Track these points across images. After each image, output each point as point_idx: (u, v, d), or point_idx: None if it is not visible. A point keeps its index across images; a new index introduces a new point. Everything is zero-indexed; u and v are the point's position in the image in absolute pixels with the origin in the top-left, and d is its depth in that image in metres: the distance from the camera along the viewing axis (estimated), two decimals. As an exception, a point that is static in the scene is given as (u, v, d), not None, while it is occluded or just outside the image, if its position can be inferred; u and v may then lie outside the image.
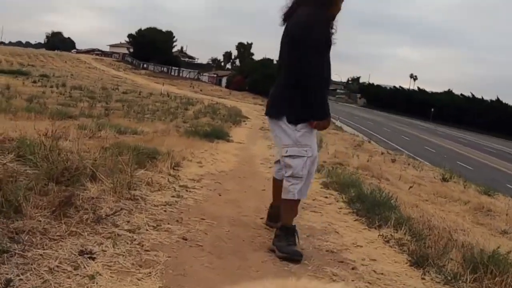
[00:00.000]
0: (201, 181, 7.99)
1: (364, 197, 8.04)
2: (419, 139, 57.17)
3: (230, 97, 74.00)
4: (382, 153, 24.83)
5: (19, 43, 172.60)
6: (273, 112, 4.74)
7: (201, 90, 77.87)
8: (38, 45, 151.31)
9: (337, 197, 8.76)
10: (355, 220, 6.82)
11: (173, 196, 6.23)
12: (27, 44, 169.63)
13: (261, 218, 5.86)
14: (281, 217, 4.72)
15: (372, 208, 7.15)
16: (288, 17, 4.68)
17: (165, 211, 5.41)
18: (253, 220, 5.81)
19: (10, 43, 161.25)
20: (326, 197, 8.63)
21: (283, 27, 4.72)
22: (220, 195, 7.09)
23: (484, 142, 69.63)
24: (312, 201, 7.93)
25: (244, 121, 32.20)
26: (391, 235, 5.93)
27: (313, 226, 6.09)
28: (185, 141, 14.51)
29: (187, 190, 6.82)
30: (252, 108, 54.34)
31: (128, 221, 4.64)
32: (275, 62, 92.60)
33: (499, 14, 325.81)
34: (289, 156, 4.58)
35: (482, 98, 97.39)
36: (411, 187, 11.65)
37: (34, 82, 43.20)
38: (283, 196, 4.68)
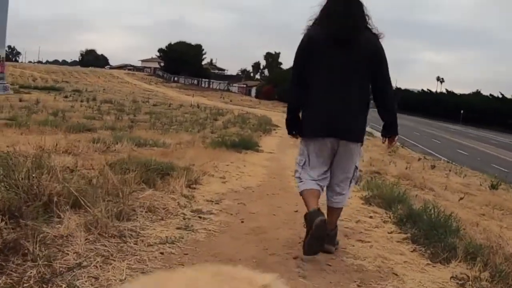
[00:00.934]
0: (221, 202, 6.56)
1: (417, 216, 6.57)
2: (450, 142, 55.20)
3: (260, 106, 72.57)
4: (419, 159, 23.10)
5: (55, 62, 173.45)
6: (359, 138, 4.86)
7: (231, 101, 76.66)
8: (73, 63, 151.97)
9: (383, 216, 7.27)
10: (413, 251, 5.24)
11: (179, 228, 4.79)
12: (63, 63, 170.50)
13: (295, 258, 4.36)
14: (333, 223, 4.90)
15: (430, 232, 5.68)
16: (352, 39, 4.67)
17: (161, 253, 3.96)
18: (284, 261, 4.29)
19: (47, 62, 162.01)
20: (371, 217, 7.14)
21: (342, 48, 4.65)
22: (242, 222, 5.61)
23: (517, 142, 67.00)
24: (356, 223, 6.44)
25: (274, 129, 30.66)
26: (466, 275, 4.34)
27: (363, 265, 4.58)
28: (210, 153, 13.07)
29: (200, 217, 5.38)
30: (282, 116, 52.37)
31: (96, 278, 3.13)
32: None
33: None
34: (356, 172, 5.04)
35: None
36: (461, 198, 10.06)
37: (66, 97, 42.15)
38: (341, 206, 5.03)
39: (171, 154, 11.28)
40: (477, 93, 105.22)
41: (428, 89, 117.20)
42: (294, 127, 5.00)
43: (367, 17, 4.73)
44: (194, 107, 48.57)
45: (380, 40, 4.76)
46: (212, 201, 6.39)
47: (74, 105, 32.94)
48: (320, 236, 4.42)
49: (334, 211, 4.96)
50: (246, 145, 16.27)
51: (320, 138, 4.74)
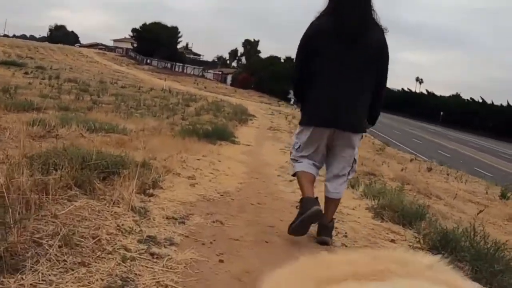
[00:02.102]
0: (188, 220, 4.71)
1: (455, 241, 5.06)
2: (431, 143, 54.37)
3: (236, 95, 70.44)
4: (411, 160, 21.33)
5: (23, 37, 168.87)
6: (360, 129, 4.92)
7: (205, 87, 74.36)
8: (42, 39, 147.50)
9: (407, 237, 5.66)
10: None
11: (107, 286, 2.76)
12: (31, 38, 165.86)
13: None
14: (331, 215, 4.94)
15: (481, 267, 4.40)
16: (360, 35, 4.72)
17: None
18: None
19: (14, 36, 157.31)
20: (392, 240, 5.51)
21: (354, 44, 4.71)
22: (221, 261, 3.64)
23: (497, 147, 66.56)
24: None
25: (251, 119, 28.82)
26: None
27: None
28: (178, 143, 11.19)
29: (152, 255, 3.40)
30: (258, 106, 51.19)
31: None
32: (282, 60, 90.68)
33: (506, 16, 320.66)
34: (355, 164, 5.03)
35: (493, 102, 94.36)
36: (481, 211, 8.28)
37: (26, 73, 39.63)
38: (339, 197, 5.01)
39: (129, 143, 9.34)
40: (457, 96, 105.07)
41: (408, 89, 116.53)
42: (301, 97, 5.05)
43: (374, 12, 4.78)
44: (165, 91, 46.45)
45: (385, 35, 4.84)
46: (175, 219, 4.45)
47: (32, 82, 30.59)
48: (310, 222, 4.60)
49: (332, 202, 4.96)
50: (221, 135, 14.41)
51: (319, 128, 4.82)
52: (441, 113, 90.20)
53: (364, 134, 5.17)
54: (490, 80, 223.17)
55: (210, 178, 7.24)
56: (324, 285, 0.80)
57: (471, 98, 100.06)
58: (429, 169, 17.47)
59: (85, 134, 9.80)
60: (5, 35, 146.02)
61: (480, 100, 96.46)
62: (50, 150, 5.46)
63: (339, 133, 4.74)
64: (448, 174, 18.53)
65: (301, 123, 5.02)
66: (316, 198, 4.71)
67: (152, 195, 5.14)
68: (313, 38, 4.78)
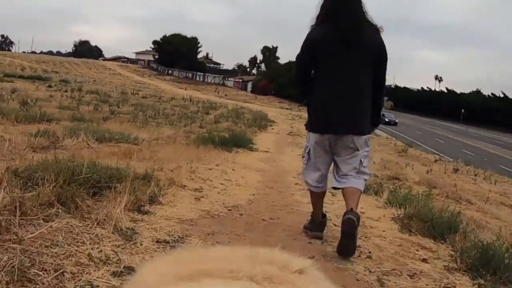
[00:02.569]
0: (183, 242, 4.07)
1: (498, 261, 4.21)
2: (454, 142, 53.37)
3: (256, 101, 69.95)
4: (436, 161, 20.44)
5: (50, 53, 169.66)
6: (359, 130, 4.82)
7: (226, 95, 73.86)
8: (67, 55, 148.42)
9: (440, 254, 4.84)
10: None
11: None
12: (58, 54, 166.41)
13: None
14: (355, 204, 4.64)
15: None
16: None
17: None
18: None
19: (41, 53, 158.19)
20: (424, 260, 4.63)
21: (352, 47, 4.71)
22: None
23: (521, 143, 64.89)
24: (411, 279, 3.86)
25: (271, 125, 28.17)
26: None
27: None
28: (192, 151, 10.58)
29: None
30: (279, 112, 50.54)
31: None
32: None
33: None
34: (366, 165, 4.90)
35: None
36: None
37: (50, 86, 39.42)
38: (357, 186, 4.75)
39: (138, 153, 8.71)
40: (477, 92, 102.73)
41: (428, 87, 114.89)
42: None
43: (366, 13, 4.80)
44: (186, 100, 46.01)
45: (381, 34, 4.88)
46: (167, 242, 3.76)
47: (54, 94, 30.24)
48: (351, 234, 4.38)
49: (352, 192, 4.72)
50: (238, 142, 13.78)
51: (323, 134, 4.82)
52: (462, 110, 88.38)
53: (369, 136, 5.03)
54: (509, 75, 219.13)
55: (220, 189, 6.57)
56: (183, 281, 0.81)
57: (492, 93, 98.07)
58: (456, 170, 16.60)
59: (92, 145, 9.25)
60: (33, 52, 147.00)
61: (502, 95, 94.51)
62: (39, 163, 4.86)
63: (343, 137, 4.74)
64: (476, 175, 17.62)
65: (307, 129, 5.10)
66: (324, 216, 5.19)
67: (147, 212, 4.47)
68: (311, 46, 4.83)
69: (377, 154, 18.38)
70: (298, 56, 4.97)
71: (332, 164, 4.94)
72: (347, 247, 4.39)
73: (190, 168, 7.67)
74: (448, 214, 6.15)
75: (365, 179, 4.93)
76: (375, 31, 4.82)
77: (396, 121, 68.00)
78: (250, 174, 8.90)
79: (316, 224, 5.04)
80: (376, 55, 4.78)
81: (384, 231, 5.59)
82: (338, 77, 4.72)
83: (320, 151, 4.86)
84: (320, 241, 4.86)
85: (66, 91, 35.81)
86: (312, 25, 4.92)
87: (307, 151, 5.01)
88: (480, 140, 60.94)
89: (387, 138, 39.11)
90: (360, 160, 4.80)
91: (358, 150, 4.78)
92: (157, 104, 34.74)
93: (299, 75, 5.05)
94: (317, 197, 5.08)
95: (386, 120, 63.64)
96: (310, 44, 4.85)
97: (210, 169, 8.35)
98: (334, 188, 5.02)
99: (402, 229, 5.78)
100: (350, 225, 4.33)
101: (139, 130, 13.92)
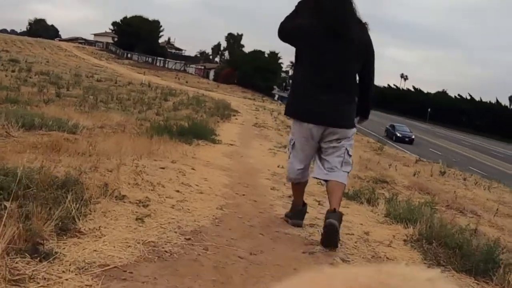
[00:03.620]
0: None
1: None
2: (421, 140, 53.08)
3: (218, 90, 67.96)
4: (417, 161, 18.92)
5: (4, 31, 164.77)
6: (344, 123, 4.86)
7: (186, 82, 71.60)
8: (23, 34, 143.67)
9: None
10: None
11: None
12: (12, 32, 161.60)
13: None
14: (338, 203, 4.65)
15: None
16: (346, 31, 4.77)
17: None
18: None
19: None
20: None
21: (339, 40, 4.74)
22: None
23: (487, 145, 65.23)
24: None
25: (234, 115, 26.40)
26: None
27: None
28: (144, 143, 8.81)
29: None
30: (242, 102, 48.81)
31: None
32: (267, 55, 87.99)
33: (489, 14, 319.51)
34: (349, 158, 4.93)
35: (481, 99, 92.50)
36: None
37: (-5, 66, 37.19)
38: (342, 181, 4.79)
39: (71, 145, 6.91)
40: (444, 93, 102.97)
41: (394, 85, 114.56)
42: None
43: (355, 10, 4.84)
44: (144, 85, 43.98)
45: (368, 31, 4.95)
46: None
47: (-2, 74, 28.10)
48: (333, 241, 4.41)
49: (336, 188, 4.72)
50: (199, 133, 12.07)
51: (305, 123, 4.82)
52: (429, 110, 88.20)
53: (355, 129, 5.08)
54: (471, 78, 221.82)
55: (175, 201, 4.81)
56: None
57: (459, 95, 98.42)
58: (443, 173, 15.11)
59: (14, 133, 7.39)
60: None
61: (468, 97, 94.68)
62: None
63: (330, 129, 4.78)
64: (465, 179, 16.12)
65: (288, 114, 5.14)
66: (304, 204, 5.29)
67: (49, 254, 2.68)
68: (296, 32, 4.86)
69: (356, 151, 16.87)
70: (280, 32, 4.97)
71: (316, 154, 4.96)
72: (329, 243, 4.41)
73: (136, 168, 5.91)
74: (484, 243, 4.76)
75: (348, 171, 4.96)
76: (363, 28, 4.89)
77: (413, 137, 51.12)
78: (214, 174, 7.20)
79: (296, 212, 5.12)
80: (364, 52, 4.84)
81: (398, 259, 4.12)
82: (324, 66, 4.73)
83: (304, 143, 4.88)
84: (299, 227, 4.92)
85: (13, 71, 33.76)
86: (297, 7, 4.93)
87: (291, 143, 5.02)
88: (447, 140, 61.02)
89: (357, 133, 37.70)
90: (346, 150, 4.86)
91: (344, 141, 4.83)
92: (112, 88, 32.75)
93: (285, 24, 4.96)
94: (299, 187, 5.20)
95: (399, 135, 50.41)
96: (296, 30, 4.86)
97: (163, 168, 6.59)
98: (316, 178, 5.11)
99: (427, 259, 4.46)
100: (332, 231, 4.35)
101: (83, 116, 12.08)
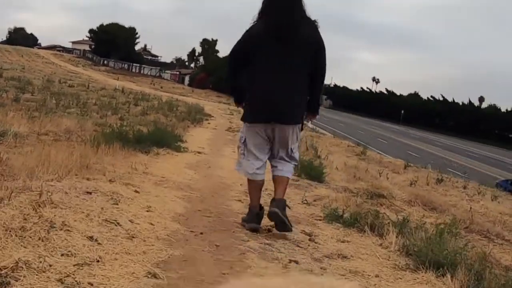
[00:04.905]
0: None
1: None
2: (397, 143, 51.12)
3: (193, 95, 65.63)
4: (406, 167, 16.90)
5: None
6: (296, 120, 5.03)
7: (161, 88, 69.02)
8: (3, 42, 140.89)
9: None
10: None
11: None
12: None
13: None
14: (282, 194, 4.92)
15: None
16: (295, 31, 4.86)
17: None
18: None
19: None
20: None
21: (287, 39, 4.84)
22: None
23: (462, 146, 63.96)
24: None
25: (207, 119, 24.30)
26: None
27: None
28: (86, 153, 6.72)
29: None
30: (216, 106, 46.67)
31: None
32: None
33: (458, 14, 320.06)
34: (296, 151, 5.11)
35: (453, 100, 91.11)
36: None
37: (-37, 72, 34.95)
38: (288, 175, 5.02)
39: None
40: (416, 95, 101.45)
41: (367, 88, 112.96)
42: (242, 97, 5.22)
43: (304, 8, 4.90)
44: (117, 91, 41.79)
45: (318, 28, 5.03)
46: None
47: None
48: (282, 220, 4.65)
49: (281, 180, 4.96)
50: (161, 139, 10.03)
51: (260, 123, 4.92)
52: (402, 112, 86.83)
53: (303, 124, 5.25)
54: (443, 79, 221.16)
55: (71, 265, 2.71)
56: None
57: (431, 96, 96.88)
58: (440, 181, 13.08)
59: None
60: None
61: (441, 98, 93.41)
62: None
63: (278, 126, 4.88)
64: (465, 187, 14.08)
65: (244, 120, 5.13)
66: (261, 208, 5.02)
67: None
68: (246, 42, 4.94)
69: (336, 156, 14.92)
70: (232, 51, 5.08)
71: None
72: (281, 228, 4.69)
73: (39, 196, 3.79)
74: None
75: (295, 165, 5.23)
76: (312, 26, 4.94)
77: None
78: (165, 199, 5.18)
79: (253, 216, 4.94)
80: (313, 49, 4.87)
81: None
82: (272, 71, 4.81)
83: (259, 140, 4.95)
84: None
85: None
86: (253, 21, 4.99)
87: (242, 141, 5.08)
88: (421, 141, 59.20)
89: (334, 137, 35.87)
90: (291, 147, 5.00)
91: (291, 137, 4.97)
92: (82, 93, 30.50)
93: (231, 70, 5.17)
94: (255, 186, 5.05)
95: None
96: (245, 40, 4.95)
97: (90, 192, 4.52)
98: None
99: None
100: (274, 216, 4.65)
101: (29, 122, 9.96)
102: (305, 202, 6.79)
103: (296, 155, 5.13)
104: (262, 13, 4.90)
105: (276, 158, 5.01)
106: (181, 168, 7.89)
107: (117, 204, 4.29)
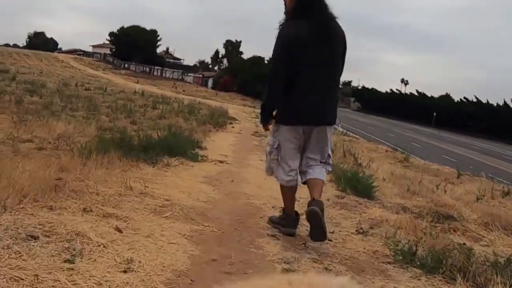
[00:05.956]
0: None
1: None
2: (431, 146, 48.96)
3: (217, 98, 64.10)
4: (459, 175, 14.98)
5: (6, 46, 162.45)
6: (334, 120, 5.01)
7: (183, 91, 67.62)
8: (25, 48, 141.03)
9: None
10: None
11: None
12: (15, 46, 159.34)
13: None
14: (319, 195, 4.67)
15: None
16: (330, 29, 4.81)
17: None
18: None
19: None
20: None
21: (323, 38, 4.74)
22: None
23: (498, 149, 61.24)
24: None
25: (231, 123, 22.59)
26: None
27: None
28: (64, 167, 4.90)
29: None
30: (241, 109, 45.08)
31: None
32: (266, 61, 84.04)
33: (486, 16, 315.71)
34: (331, 155, 4.97)
35: (488, 101, 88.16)
36: None
37: (-23, 75, 33.99)
38: (323, 178, 4.80)
39: None
40: (447, 96, 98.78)
41: (397, 89, 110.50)
42: (271, 117, 4.97)
43: (329, 5, 4.84)
44: (137, 94, 40.44)
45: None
46: None
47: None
48: (320, 225, 4.41)
49: (315, 183, 4.71)
50: (175, 146, 8.39)
51: (300, 125, 4.77)
52: (434, 114, 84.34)
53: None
54: (472, 81, 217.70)
55: None
56: None
57: (464, 97, 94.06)
58: (506, 193, 11.14)
59: None
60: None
61: (475, 100, 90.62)
62: None
63: (318, 128, 4.79)
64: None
65: (282, 122, 4.85)
66: (297, 214, 4.92)
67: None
68: (291, 42, 4.65)
69: (379, 164, 13.11)
70: (278, 53, 4.76)
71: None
72: (318, 234, 4.41)
73: None
74: None
75: (329, 170, 4.96)
76: (339, 25, 4.85)
77: None
78: (163, 237, 3.50)
79: (289, 220, 4.84)
80: (343, 47, 4.85)
81: None
82: (317, 70, 4.67)
83: (294, 145, 4.80)
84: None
85: None
86: (282, 22, 4.85)
87: (275, 146, 4.87)
88: (456, 145, 57.02)
89: (370, 142, 34.06)
90: (328, 150, 4.86)
91: (329, 139, 4.90)
92: (98, 97, 29.07)
93: (281, 73, 4.73)
94: (290, 192, 4.91)
95: None
96: (289, 40, 4.67)
97: (35, 237, 2.82)
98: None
99: None
100: (314, 216, 4.36)
101: (7, 125, 8.38)
102: (361, 231, 5.10)
103: (331, 159, 5.00)
104: (297, 12, 4.71)
105: (310, 163, 4.84)
106: (196, 183, 6.22)
107: (74, 262, 2.60)
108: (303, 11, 4.70)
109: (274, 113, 4.92)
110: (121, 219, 3.70)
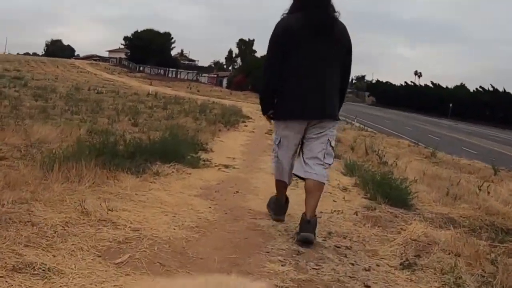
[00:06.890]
0: None
1: None
2: (449, 138, 47.20)
3: (231, 97, 62.95)
4: (496, 173, 13.39)
5: (26, 55, 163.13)
6: (331, 115, 4.76)
7: (198, 91, 66.48)
8: (44, 55, 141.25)
9: None
10: None
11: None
12: (34, 55, 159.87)
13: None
14: (315, 208, 4.43)
15: None
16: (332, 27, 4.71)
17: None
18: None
19: (18, 55, 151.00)
20: None
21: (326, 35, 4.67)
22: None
23: (517, 139, 59.26)
24: None
25: (244, 121, 21.25)
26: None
27: None
28: (13, 184, 3.36)
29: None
30: (256, 108, 43.59)
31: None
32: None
33: (497, 7, 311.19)
34: (332, 152, 4.79)
35: (504, 90, 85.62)
36: None
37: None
38: (323, 181, 4.62)
39: None
40: (463, 86, 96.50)
41: (412, 82, 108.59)
42: (270, 107, 4.84)
43: (334, 5, 4.76)
44: (150, 95, 39.33)
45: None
46: None
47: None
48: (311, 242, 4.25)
49: (315, 188, 4.48)
50: (172, 151, 6.97)
51: (299, 120, 4.69)
52: (450, 105, 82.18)
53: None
54: (486, 70, 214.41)
55: None
56: None
57: (480, 86, 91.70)
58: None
59: None
60: (9, 54, 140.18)
61: (491, 89, 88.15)
62: None
63: (320, 122, 4.65)
64: None
65: (280, 118, 4.80)
66: (287, 200, 4.96)
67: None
68: (285, 34, 4.64)
69: (407, 161, 11.68)
70: (271, 45, 4.74)
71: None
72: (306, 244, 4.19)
73: None
74: None
75: (329, 164, 4.75)
76: (342, 25, 4.76)
77: None
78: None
79: (279, 207, 4.89)
80: (344, 50, 4.73)
81: None
82: (312, 65, 4.60)
83: (293, 142, 4.72)
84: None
85: (4, 86, 29.43)
86: (283, 14, 4.79)
87: (277, 142, 4.81)
88: (474, 135, 55.14)
89: (389, 136, 32.67)
90: (328, 140, 4.70)
91: (331, 134, 4.73)
92: (109, 99, 27.89)
93: (274, 65, 4.70)
94: (284, 186, 4.92)
95: None
96: (284, 32, 4.66)
97: None
98: (297, 175, 4.72)
99: None
100: (306, 243, 4.15)
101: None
102: (406, 263, 3.64)
103: (332, 157, 4.79)
104: (297, 7, 4.68)
105: (310, 159, 4.62)
106: (187, 198, 4.83)
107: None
108: (301, 4, 4.65)
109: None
110: (37, 274, 2.28)
